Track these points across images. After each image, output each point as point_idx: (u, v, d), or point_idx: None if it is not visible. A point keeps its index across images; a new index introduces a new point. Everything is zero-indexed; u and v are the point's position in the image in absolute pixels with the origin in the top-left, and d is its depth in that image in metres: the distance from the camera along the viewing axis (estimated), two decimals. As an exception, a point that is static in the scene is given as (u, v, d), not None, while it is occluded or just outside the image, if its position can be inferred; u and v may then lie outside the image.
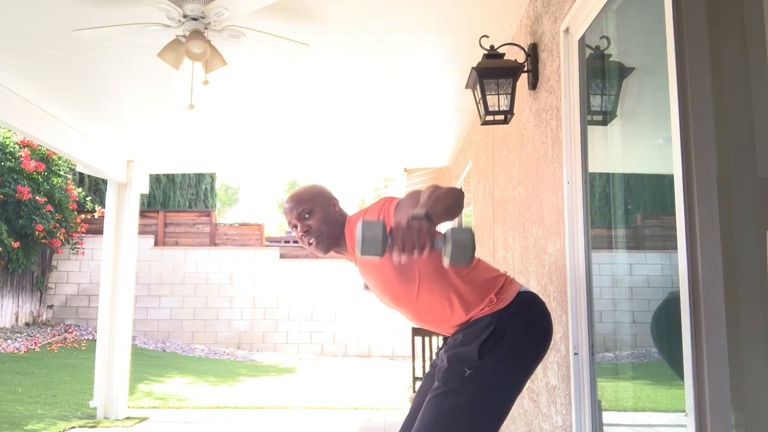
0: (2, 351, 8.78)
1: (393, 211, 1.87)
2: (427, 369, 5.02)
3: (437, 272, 1.95)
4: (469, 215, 5.65)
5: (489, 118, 2.86)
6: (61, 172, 10.73)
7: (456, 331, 1.97)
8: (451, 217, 1.64)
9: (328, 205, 2.10)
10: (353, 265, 2.16)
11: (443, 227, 1.72)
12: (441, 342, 2.17)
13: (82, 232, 11.18)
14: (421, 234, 1.46)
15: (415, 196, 1.81)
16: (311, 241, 2.07)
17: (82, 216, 11.09)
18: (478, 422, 1.83)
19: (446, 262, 1.48)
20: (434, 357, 2.17)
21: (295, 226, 2.09)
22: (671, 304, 1.89)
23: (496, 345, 1.87)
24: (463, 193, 1.71)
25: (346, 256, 2.13)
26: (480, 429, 1.84)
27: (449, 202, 1.63)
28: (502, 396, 1.88)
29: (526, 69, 2.93)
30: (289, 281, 11.90)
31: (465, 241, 1.46)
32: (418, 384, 5.06)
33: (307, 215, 2.06)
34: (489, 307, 1.92)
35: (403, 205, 1.83)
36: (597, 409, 2.24)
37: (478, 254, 4.67)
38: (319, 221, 2.06)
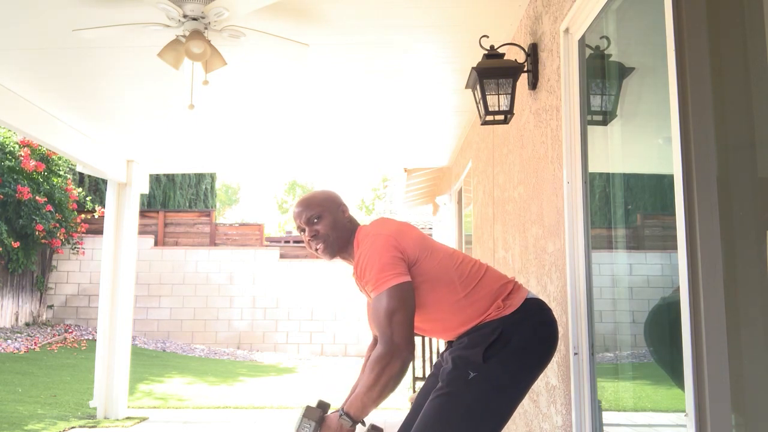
0: (2, 351, 8.78)
1: (372, 296, 1.92)
2: (427, 369, 5.02)
3: (447, 295, 1.96)
4: (469, 215, 5.65)
5: (489, 118, 2.86)
6: (61, 172, 10.72)
7: (461, 334, 1.97)
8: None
9: (338, 211, 2.10)
10: (351, 267, 2.17)
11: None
12: (445, 344, 2.17)
13: (82, 232, 11.18)
14: None
15: (387, 318, 1.86)
16: (318, 247, 2.07)
17: (82, 216, 11.09)
18: (478, 424, 1.84)
19: None
20: (438, 358, 2.18)
21: (303, 231, 2.10)
22: (663, 309, 1.90)
23: (501, 350, 1.87)
24: (405, 369, 1.86)
25: (350, 262, 2.13)
26: (480, 431, 1.84)
27: (381, 400, 1.87)
28: (504, 400, 1.88)
29: (526, 69, 2.92)
30: (289, 281, 11.90)
31: None
32: (418, 384, 5.06)
33: (315, 220, 2.06)
34: (496, 312, 1.92)
35: (374, 310, 1.92)
36: (597, 409, 2.24)
37: (479, 256, 4.67)
38: (327, 227, 2.06)
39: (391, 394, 1.90)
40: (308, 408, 1.97)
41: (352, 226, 2.11)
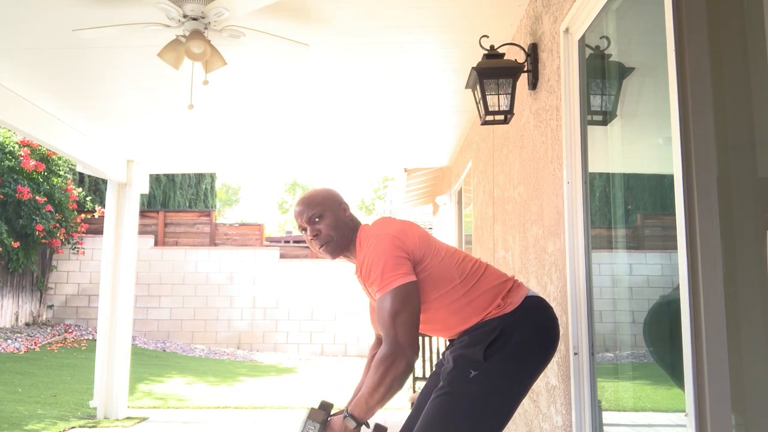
0: (2, 351, 8.78)
1: (377, 297, 1.92)
2: (426, 369, 5.02)
3: (448, 293, 1.96)
4: (469, 215, 5.65)
5: (489, 118, 2.86)
6: (61, 172, 10.72)
7: (462, 333, 1.97)
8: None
9: (339, 210, 2.09)
10: (351, 267, 2.17)
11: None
12: (446, 343, 2.17)
13: (82, 232, 11.18)
14: None
15: (391, 316, 1.86)
16: (320, 246, 2.07)
17: (82, 216, 11.09)
18: (480, 423, 1.83)
19: None
20: (440, 357, 2.18)
21: (305, 230, 2.09)
22: (661, 308, 1.90)
23: (502, 348, 1.87)
24: (410, 371, 1.87)
25: (352, 260, 2.13)
26: (482, 430, 1.84)
27: (386, 400, 1.86)
28: (506, 398, 1.88)
29: (526, 69, 2.92)
30: (289, 281, 11.90)
31: None
32: (418, 384, 5.05)
33: (317, 219, 2.06)
34: (496, 310, 1.92)
35: (379, 309, 1.91)
36: (597, 409, 2.24)
37: (479, 256, 4.67)
38: (328, 226, 2.05)
39: (396, 394, 1.88)
40: (312, 410, 1.96)
41: (354, 224, 2.10)
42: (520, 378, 1.91)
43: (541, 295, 2.19)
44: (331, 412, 2.04)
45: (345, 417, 1.87)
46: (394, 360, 1.82)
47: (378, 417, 1.98)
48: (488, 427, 1.85)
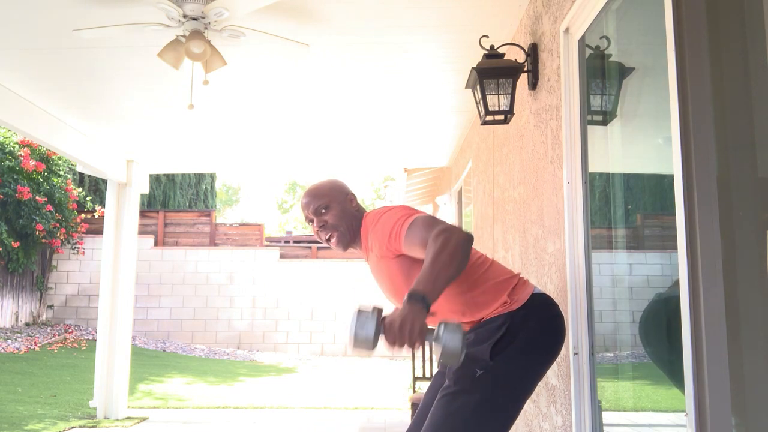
0: (2, 351, 8.78)
1: (404, 236, 1.84)
2: (428, 369, 5.02)
3: (451, 286, 1.94)
4: (469, 215, 5.65)
5: (489, 118, 2.86)
6: (61, 172, 10.72)
7: (467, 331, 1.96)
8: (454, 278, 1.67)
9: (345, 200, 2.09)
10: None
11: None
12: None
13: (82, 232, 11.18)
14: (412, 335, 1.50)
15: (427, 227, 1.76)
16: (328, 237, 2.06)
17: (82, 216, 11.09)
18: (487, 423, 1.82)
19: (437, 358, 1.52)
20: None
21: (312, 221, 2.09)
22: (657, 306, 1.90)
23: (508, 346, 1.85)
24: (471, 242, 1.71)
25: (361, 252, 2.12)
26: (489, 430, 1.84)
27: (453, 269, 1.64)
28: (512, 397, 1.87)
29: (526, 69, 2.93)
30: (289, 281, 11.90)
31: (454, 349, 1.49)
32: (419, 384, 5.05)
33: (323, 210, 2.05)
34: (502, 308, 1.90)
35: (413, 236, 1.81)
36: (597, 409, 2.24)
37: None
38: (335, 217, 2.05)
39: (461, 268, 1.66)
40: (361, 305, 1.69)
41: (360, 215, 2.09)
42: (527, 376, 1.90)
43: (547, 293, 2.18)
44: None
45: (409, 296, 1.56)
46: (450, 233, 1.67)
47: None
48: (495, 426, 1.84)
